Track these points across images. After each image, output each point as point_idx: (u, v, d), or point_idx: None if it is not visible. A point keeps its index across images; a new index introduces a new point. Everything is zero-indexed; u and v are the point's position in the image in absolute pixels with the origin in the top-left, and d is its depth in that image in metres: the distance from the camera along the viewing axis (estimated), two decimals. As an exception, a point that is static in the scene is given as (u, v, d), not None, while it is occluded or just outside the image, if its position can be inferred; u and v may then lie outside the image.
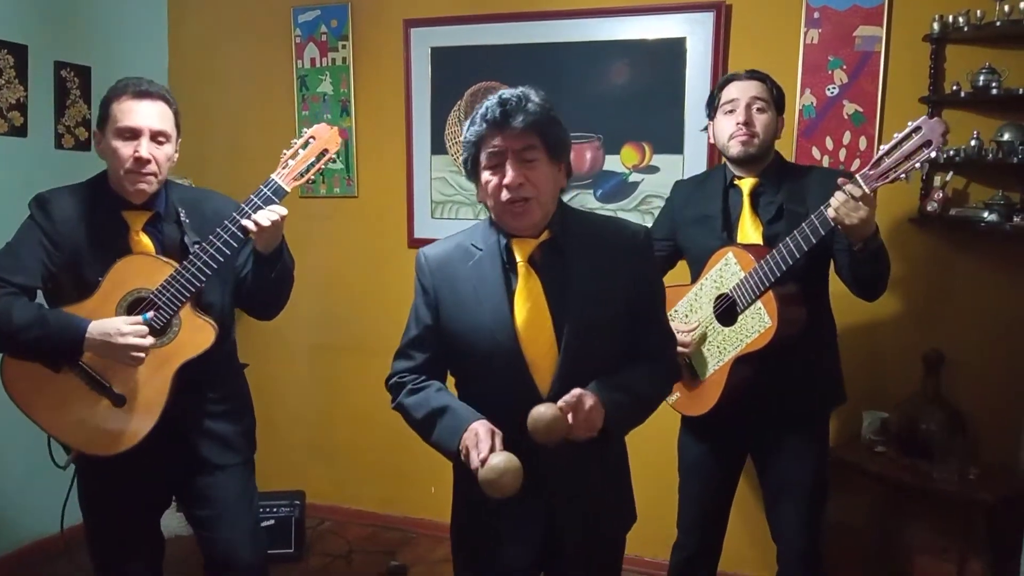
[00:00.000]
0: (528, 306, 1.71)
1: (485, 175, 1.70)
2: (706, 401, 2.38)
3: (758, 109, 2.33)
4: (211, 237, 2.04)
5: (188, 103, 4.11)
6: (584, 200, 3.39)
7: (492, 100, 1.67)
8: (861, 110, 3.02)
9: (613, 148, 3.36)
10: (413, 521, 3.80)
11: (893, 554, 2.77)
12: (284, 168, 2.13)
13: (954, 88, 2.83)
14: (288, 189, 2.11)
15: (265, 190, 2.09)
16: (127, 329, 1.96)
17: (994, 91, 2.74)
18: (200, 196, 2.25)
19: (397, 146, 3.65)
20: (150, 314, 2.01)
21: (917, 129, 2.02)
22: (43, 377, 2.03)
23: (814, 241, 2.14)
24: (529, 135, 1.66)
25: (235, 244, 2.05)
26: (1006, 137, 2.73)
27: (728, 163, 2.42)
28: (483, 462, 1.58)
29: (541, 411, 1.58)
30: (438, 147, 3.61)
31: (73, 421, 2.03)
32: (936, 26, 2.83)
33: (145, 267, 2.05)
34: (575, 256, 1.74)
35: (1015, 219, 2.71)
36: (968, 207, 2.86)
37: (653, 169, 3.32)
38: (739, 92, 2.33)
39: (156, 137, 2.05)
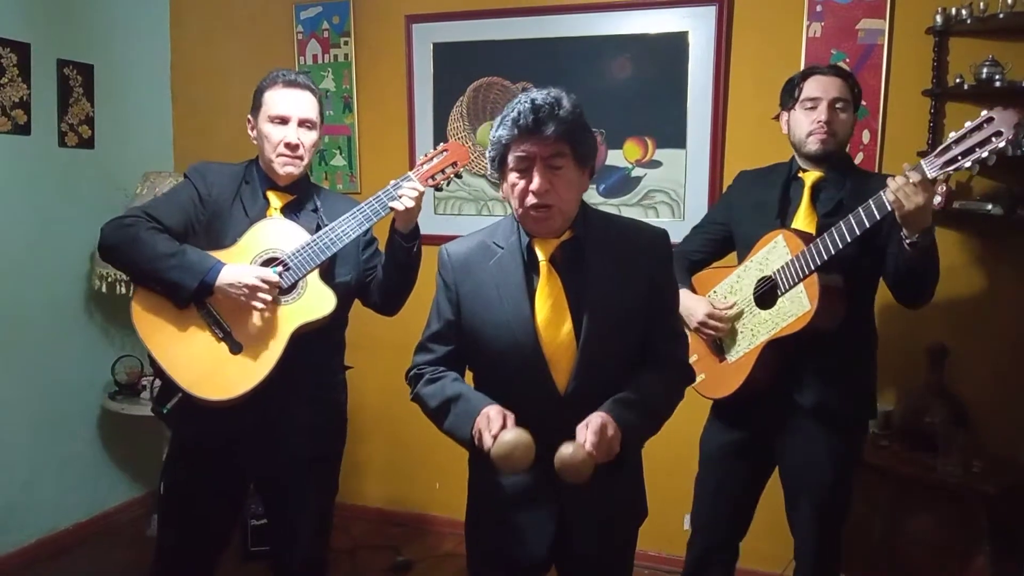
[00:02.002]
0: (549, 304, 1.73)
1: (512, 177, 1.70)
2: (730, 383, 2.37)
3: (840, 108, 2.30)
4: (347, 216, 2.20)
5: (190, 100, 4.14)
6: (587, 195, 3.37)
7: (525, 104, 1.65)
8: (864, 103, 3.00)
9: (616, 143, 3.36)
10: (418, 517, 3.81)
11: (897, 546, 2.77)
12: (419, 169, 2.32)
13: (957, 81, 2.82)
14: (422, 186, 2.28)
15: (402, 183, 2.25)
16: (259, 273, 2.08)
17: (997, 84, 2.73)
18: (332, 195, 2.41)
19: (400, 142, 3.66)
20: (279, 268, 2.13)
21: (989, 120, 1.99)
22: (169, 314, 2.14)
23: (867, 225, 2.10)
24: (559, 143, 1.66)
25: (373, 220, 2.23)
26: (1010, 130, 2.72)
27: (797, 157, 2.40)
28: (495, 439, 1.59)
29: (569, 453, 1.57)
30: (441, 143, 3.60)
31: (188, 359, 2.11)
32: (939, 18, 2.82)
33: (283, 231, 2.20)
34: (595, 257, 1.76)
35: (1019, 211, 2.72)
36: (972, 200, 2.86)
37: (656, 164, 3.32)
38: (822, 90, 2.29)
39: (303, 124, 2.22)
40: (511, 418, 1.65)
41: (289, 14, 3.79)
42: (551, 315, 1.72)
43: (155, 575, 2.35)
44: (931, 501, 2.68)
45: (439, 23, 3.54)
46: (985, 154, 1.98)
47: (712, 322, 2.36)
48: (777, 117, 2.47)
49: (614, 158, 3.36)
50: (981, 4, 2.73)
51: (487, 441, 1.61)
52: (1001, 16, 2.68)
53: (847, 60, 3.01)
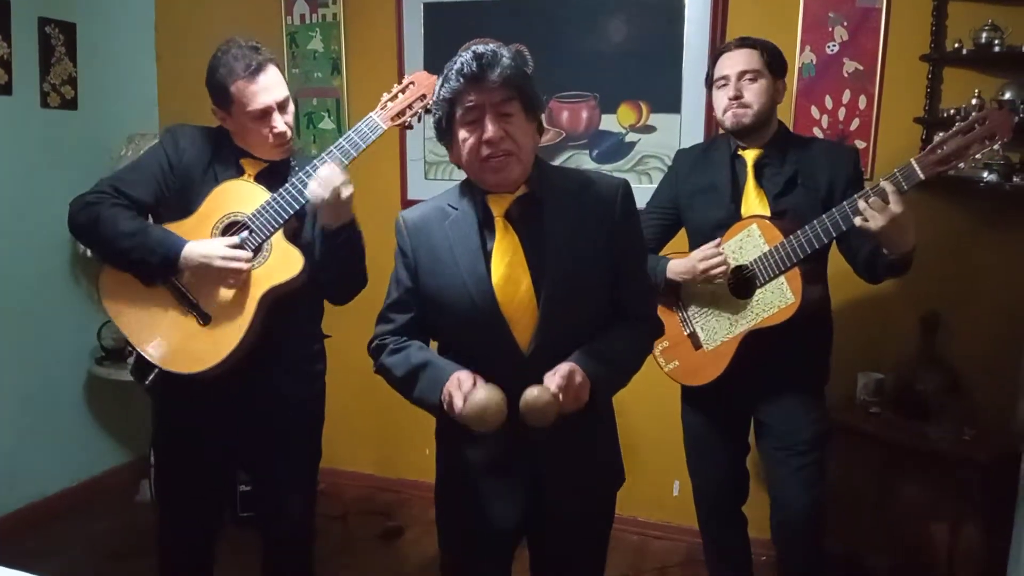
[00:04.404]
0: (505, 262, 1.69)
1: (462, 133, 1.66)
2: (709, 372, 2.37)
3: (749, 79, 2.29)
4: (308, 168, 2.10)
5: (175, 60, 4.06)
6: (580, 160, 3.35)
7: (466, 55, 1.62)
8: (861, 68, 2.98)
9: (609, 107, 3.31)
10: (408, 483, 3.81)
11: (888, 514, 2.78)
12: (383, 109, 2.19)
13: (956, 46, 2.79)
14: (385, 127, 2.18)
15: (363, 126, 2.16)
16: (227, 253, 2.03)
17: (996, 49, 2.70)
18: (306, 158, 2.29)
19: (390, 105, 3.59)
20: (244, 234, 2.07)
21: (982, 120, 1.98)
22: (137, 290, 2.11)
23: (853, 221, 2.11)
24: (506, 89, 1.62)
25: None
26: (1008, 96, 2.70)
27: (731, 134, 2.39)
28: (465, 400, 1.58)
29: (534, 396, 1.56)
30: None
31: (159, 336, 2.09)
32: (939, -19, 2.78)
33: (242, 192, 2.12)
34: (553, 210, 1.71)
35: (1015, 179, 2.69)
36: (968, 167, 2.83)
37: (650, 129, 3.27)
38: (729, 67, 2.31)
39: (282, 106, 2.13)
40: (481, 380, 1.63)
41: (276, -28, 3.70)
42: (508, 272, 1.68)
43: (160, 551, 2.34)
44: (923, 469, 2.69)
45: (430, -17, 3.47)
46: (978, 156, 2.01)
47: (709, 261, 2.28)
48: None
49: (608, 123, 3.32)
50: (982, -33, 2.69)
51: (457, 402, 1.59)
52: (1002, -21, 2.64)
53: (845, 24, 2.97)
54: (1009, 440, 2.68)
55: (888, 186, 2.02)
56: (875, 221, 2.01)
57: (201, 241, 2.06)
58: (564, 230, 1.70)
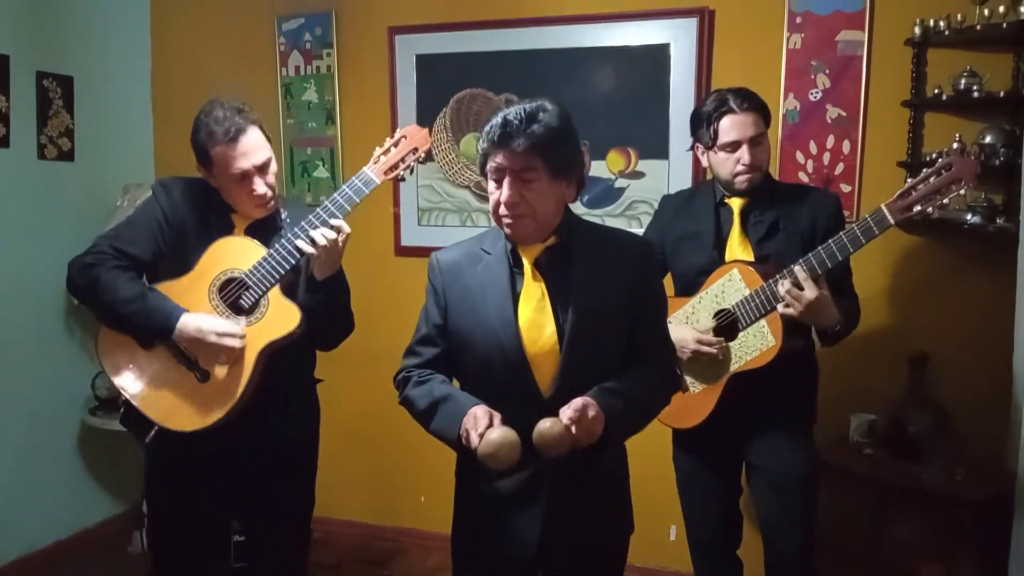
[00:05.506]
0: (532, 306, 1.76)
1: (490, 185, 1.76)
2: (696, 414, 2.39)
3: (756, 143, 2.31)
4: (303, 223, 2.11)
5: (171, 113, 4.11)
6: (571, 206, 3.39)
7: (498, 118, 1.71)
8: (844, 114, 3.04)
9: (599, 154, 3.36)
10: (404, 531, 3.78)
11: (882, 555, 2.77)
12: (375, 163, 2.22)
13: (936, 91, 2.85)
14: (378, 180, 2.19)
15: (357, 181, 2.17)
16: (222, 329, 2.05)
17: (975, 94, 2.76)
18: (298, 207, 2.34)
19: (383, 154, 3.64)
20: (243, 323, 2.09)
21: (948, 167, 2.05)
22: (135, 349, 2.13)
23: (829, 266, 2.16)
24: (530, 156, 1.69)
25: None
26: (988, 140, 2.76)
27: (720, 185, 2.42)
28: (481, 437, 1.62)
29: (547, 426, 1.61)
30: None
31: (158, 394, 2.11)
32: (918, 30, 2.85)
33: (238, 248, 2.15)
34: (580, 261, 1.79)
35: (998, 221, 2.74)
36: (952, 209, 2.87)
37: (639, 175, 3.33)
38: (739, 133, 2.28)
39: (262, 169, 2.14)
40: (498, 417, 1.67)
41: (271, 26, 3.77)
42: (534, 318, 1.75)
43: None
44: (915, 509, 2.69)
45: (422, 35, 3.54)
46: (945, 201, 2.08)
47: (704, 348, 2.35)
48: (692, 148, 2.48)
49: (597, 169, 3.37)
50: (959, 16, 2.76)
51: (474, 440, 1.63)
52: (978, 28, 2.71)
53: (827, 72, 3.04)
54: (1000, 479, 2.69)
55: (800, 272, 2.10)
56: (795, 308, 2.11)
57: (198, 314, 2.08)
58: (590, 280, 1.78)
